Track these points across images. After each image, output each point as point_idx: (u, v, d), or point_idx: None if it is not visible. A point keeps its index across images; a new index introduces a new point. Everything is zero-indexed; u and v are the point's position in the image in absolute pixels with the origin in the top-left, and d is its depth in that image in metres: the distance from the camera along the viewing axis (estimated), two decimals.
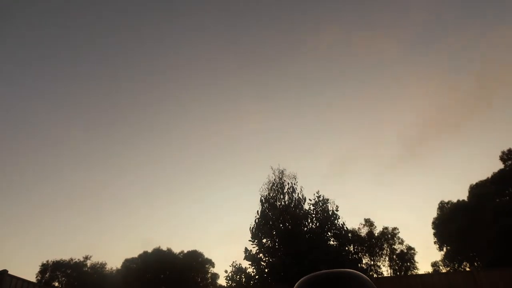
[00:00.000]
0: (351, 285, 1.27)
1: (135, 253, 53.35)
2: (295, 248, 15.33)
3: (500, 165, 31.71)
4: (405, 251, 38.54)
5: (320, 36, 58.94)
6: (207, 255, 47.64)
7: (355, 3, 60.59)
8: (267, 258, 16.11)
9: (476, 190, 32.01)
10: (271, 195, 17.69)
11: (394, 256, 38.67)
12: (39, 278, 40.86)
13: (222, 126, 64.86)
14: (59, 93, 63.47)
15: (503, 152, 31.77)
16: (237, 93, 65.47)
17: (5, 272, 9.43)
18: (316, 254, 14.74)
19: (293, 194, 17.62)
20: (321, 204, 17.24)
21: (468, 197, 33.06)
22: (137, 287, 40.67)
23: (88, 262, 44.43)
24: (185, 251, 47.14)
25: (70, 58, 62.84)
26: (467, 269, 33.09)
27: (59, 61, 61.53)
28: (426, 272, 34.44)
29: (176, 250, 46.98)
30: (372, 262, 38.50)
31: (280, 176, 18.14)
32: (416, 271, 37.43)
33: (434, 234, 35.88)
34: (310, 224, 16.87)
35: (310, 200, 17.43)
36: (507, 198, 29.79)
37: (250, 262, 15.94)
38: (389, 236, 39.40)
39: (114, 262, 64.41)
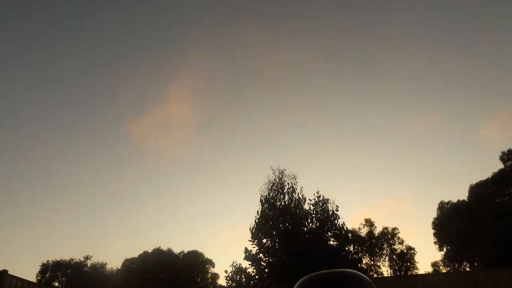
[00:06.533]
0: (351, 285, 1.27)
1: (135, 253, 53.30)
2: (295, 248, 15.32)
3: (500, 165, 31.72)
4: (405, 251, 38.51)
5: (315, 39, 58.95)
6: (207, 255, 47.62)
7: None
8: (267, 258, 16.10)
9: (476, 190, 31.95)
10: (271, 195, 17.67)
11: (394, 256, 38.62)
12: (39, 278, 40.80)
13: (222, 126, 64.89)
14: (59, 92, 63.51)
15: (503, 152, 31.75)
16: (237, 94, 65.52)
17: (5, 272, 9.43)
18: (316, 254, 14.74)
19: (293, 194, 17.61)
20: (321, 204, 17.22)
21: (468, 197, 33.01)
22: (137, 287, 40.61)
23: (88, 262, 44.39)
24: (185, 251, 47.10)
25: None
26: (467, 269, 33.06)
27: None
28: (426, 272, 34.44)
29: (176, 250, 46.97)
30: (372, 262, 38.45)
31: (280, 176, 18.13)
32: (416, 271, 37.42)
33: (434, 234, 35.84)
34: (310, 224, 16.86)
35: (310, 200, 17.43)
36: (507, 198, 29.75)
37: (250, 262, 15.93)
38: (389, 236, 39.36)
39: (114, 262, 64.35)
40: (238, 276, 15.87)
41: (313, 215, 17.05)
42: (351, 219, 50.22)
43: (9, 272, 9.60)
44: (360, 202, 58.70)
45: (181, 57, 64.53)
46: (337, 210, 17.05)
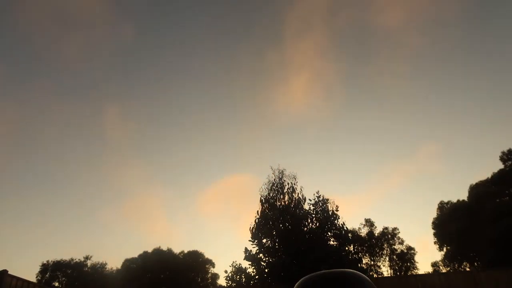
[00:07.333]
0: (351, 285, 1.26)
1: (135, 253, 53.33)
2: (295, 248, 15.33)
3: (500, 165, 31.72)
4: (405, 251, 38.52)
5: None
6: (207, 255, 47.63)
7: None
8: (267, 258, 16.11)
9: (476, 190, 31.97)
10: (271, 195, 17.69)
11: (394, 256, 38.62)
12: (39, 278, 40.82)
13: (222, 125, 64.96)
14: (59, 91, 63.57)
15: (503, 152, 31.75)
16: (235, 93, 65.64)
17: (5, 272, 9.43)
18: (316, 254, 14.75)
19: (293, 194, 17.63)
20: (321, 204, 17.23)
21: (468, 197, 33.02)
22: (137, 287, 40.63)
23: (89, 262, 44.39)
24: (185, 251, 47.13)
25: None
26: (467, 269, 33.08)
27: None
28: (426, 272, 34.45)
29: (176, 250, 47.00)
30: (372, 262, 38.45)
31: (280, 176, 18.16)
32: (416, 271, 37.43)
33: (434, 234, 35.85)
34: (310, 224, 16.87)
35: (310, 200, 17.45)
36: (507, 198, 29.76)
37: (250, 262, 15.94)
38: (389, 236, 39.37)
39: (114, 262, 64.30)
40: (238, 276, 15.89)
41: (313, 215, 17.07)
42: (351, 219, 50.12)
43: (9, 272, 9.61)
44: (360, 202, 58.67)
45: None
46: (337, 210, 17.08)
